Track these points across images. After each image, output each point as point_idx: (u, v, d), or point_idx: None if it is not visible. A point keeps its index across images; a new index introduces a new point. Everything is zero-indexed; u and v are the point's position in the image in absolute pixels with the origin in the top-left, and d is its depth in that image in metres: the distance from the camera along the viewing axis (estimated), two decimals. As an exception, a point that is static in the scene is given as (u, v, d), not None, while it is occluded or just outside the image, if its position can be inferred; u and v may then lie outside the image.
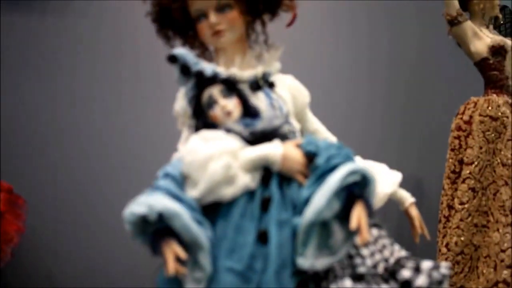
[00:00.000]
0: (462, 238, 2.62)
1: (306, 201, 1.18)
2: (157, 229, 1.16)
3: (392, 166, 2.96)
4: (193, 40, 1.64)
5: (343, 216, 1.18)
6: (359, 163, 1.60)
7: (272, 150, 1.24)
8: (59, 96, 3.00)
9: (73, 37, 3.05)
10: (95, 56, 3.07)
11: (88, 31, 3.07)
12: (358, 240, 1.16)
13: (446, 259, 2.62)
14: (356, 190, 1.18)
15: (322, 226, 1.18)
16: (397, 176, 1.76)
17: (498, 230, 2.57)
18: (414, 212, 1.77)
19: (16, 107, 2.93)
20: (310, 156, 1.26)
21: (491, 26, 2.94)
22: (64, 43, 3.03)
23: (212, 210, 1.23)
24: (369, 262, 1.29)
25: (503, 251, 2.52)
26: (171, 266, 1.13)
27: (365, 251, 1.30)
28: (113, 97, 3.06)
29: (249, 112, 1.35)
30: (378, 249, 1.34)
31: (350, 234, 1.18)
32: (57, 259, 2.87)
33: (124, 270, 2.84)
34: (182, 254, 1.15)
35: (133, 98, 3.06)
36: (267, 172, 1.25)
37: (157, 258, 1.19)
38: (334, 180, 1.16)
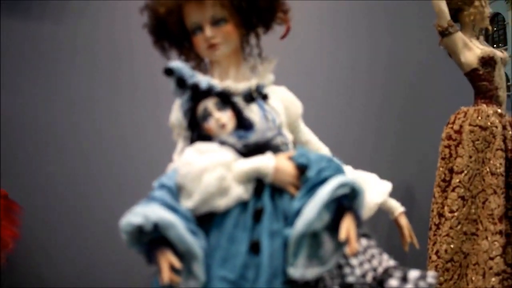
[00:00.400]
0: (452, 246, 2.65)
1: (297, 212, 1.21)
2: (153, 239, 1.20)
3: (385, 173, 2.99)
4: (188, 51, 1.68)
5: (333, 227, 1.22)
6: (350, 174, 1.65)
7: (265, 162, 1.28)
8: (57, 102, 3.00)
9: (72, 42, 3.05)
10: (94, 61, 3.07)
11: (87, 36, 3.07)
12: (347, 250, 1.20)
13: (436, 266, 2.66)
14: (345, 202, 1.22)
15: (312, 237, 1.21)
16: (387, 186, 1.79)
17: (487, 238, 2.59)
18: (404, 221, 1.80)
19: (13, 113, 2.93)
20: (302, 168, 1.30)
21: (481, 37, 2.97)
22: (63, 48, 3.03)
23: (206, 220, 1.26)
24: (358, 271, 1.32)
25: (491, 258, 2.54)
26: (166, 275, 1.17)
27: (354, 261, 1.34)
28: (111, 103, 3.06)
29: (243, 124, 1.39)
30: (367, 258, 1.38)
31: (340, 245, 1.22)
32: (52, 265, 2.87)
33: (119, 277, 2.84)
34: (176, 263, 1.18)
35: (132, 105, 3.07)
36: (259, 184, 1.29)
37: (152, 266, 1.23)
38: (324, 193, 1.19)
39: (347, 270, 1.31)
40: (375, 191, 1.76)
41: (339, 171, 1.27)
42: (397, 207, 1.82)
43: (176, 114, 1.53)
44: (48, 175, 2.92)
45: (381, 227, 2.94)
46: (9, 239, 2.39)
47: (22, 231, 2.51)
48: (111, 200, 2.91)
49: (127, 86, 3.09)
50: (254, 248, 1.21)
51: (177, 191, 1.28)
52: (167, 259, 1.18)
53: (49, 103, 2.99)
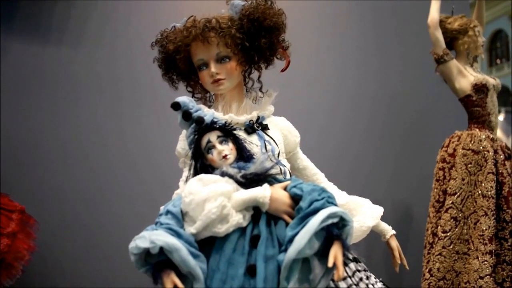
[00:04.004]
0: (444, 265, 2.73)
1: (290, 240, 1.32)
2: (158, 261, 1.32)
3: (384, 193, 3.07)
4: (195, 84, 1.81)
5: (323, 253, 1.33)
6: (343, 200, 1.77)
7: (262, 193, 1.39)
8: (75, 124, 3.13)
9: (88, 66, 3.18)
10: (112, 86, 3.20)
11: (103, 61, 3.20)
12: (334, 275, 1.30)
13: (429, 284, 2.74)
14: (334, 231, 1.33)
15: (303, 262, 1.33)
16: (379, 210, 1.86)
17: (477, 257, 2.67)
18: (394, 243, 1.88)
19: (30, 134, 3.07)
20: (296, 198, 1.41)
21: (475, 64, 3.07)
22: (81, 72, 3.17)
23: (207, 244, 1.38)
24: (346, 294, 1.43)
25: (481, 278, 2.63)
26: (170, 294, 1.29)
27: (343, 284, 1.45)
28: (120, 122, 3.19)
29: (243, 156, 1.51)
30: (355, 282, 1.49)
31: (328, 270, 1.33)
32: (65, 277, 2.99)
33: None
34: (179, 284, 1.30)
35: (148, 127, 3.19)
36: (257, 212, 1.41)
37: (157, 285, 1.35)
38: (314, 223, 1.30)
39: (335, 292, 1.42)
40: (368, 215, 1.82)
41: (329, 202, 1.38)
42: (388, 230, 1.89)
43: (182, 144, 1.66)
44: (63, 192, 3.06)
45: (379, 248, 3.03)
46: (25, 251, 2.51)
47: (37, 244, 2.62)
48: (121, 216, 3.03)
49: (145, 110, 3.20)
50: (251, 271, 1.32)
51: (182, 217, 1.40)
52: (171, 280, 1.31)
53: (67, 125, 3.12)
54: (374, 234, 1.90)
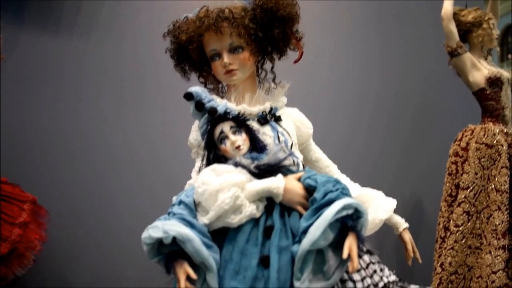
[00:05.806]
0: (456, 259, 2.71)
1: (305, 231, 1.31)
2: (171, 251, 1.32)
3: (395, 187, 3.05)
4: (207, 75, 1.80)
5: (337, 245, 1.32)
6: (356, 192, 1.75)
7: (275, 183, 1.38)
8: (84, 115, 3.13)
9: (97, 58, 3.18)
10: (119, 78, 3.20)
11: (111, 53, 3.20)
12: (349, 267, 1.29)
13: (440, 278, 2.72)
14: (349, 222, 1.32)
15: (317, 253, 1.32)
16: (392, 203, 1.85)
17: (490, 252, 2.65)
18: (407, 237, 1.87)
19: (41, 126, 3.08)
20: (310, 189, 1.40)
21: (489, 58, 3.03)
22: (89, 64, 3.17)
23: (220, 235, 1.38)
24: (359, 286, 1.42)
25: (494, 272, 2.61)
26: (182, 285, 1.29)
27: (356, 276, 1.44)
28: (126, 116, 3.19)
29: (257, 146, 1.50)
30: (368, 274, 1.47)
31: (343, 261, 1.32)
32: (74, 267, 3.02)
33: (138, 281, 2.97)
34: (192, 274, 1.30)
35: (155, 120, 3.19)
36: (270, 202, 1.40)
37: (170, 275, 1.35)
38: (329, 214, 1.29)
39: (350, 284, 1.41)
40: (381, 208, 1.81)
41: (344, 194, 1.37)
42: (402, 223, 1.87)
43: (195, 134, 1.65)
44: (74, 183, 3.07)
45: (390, 241, 3.01)
46: (36, 241, 2.53)
47: (48, 235, 2.64)
48: (129, 207, 3.04)
49: (151, 102, 3.20)
50: (264, 262, 1.32)
51: (195, 207, 1.40)
52: (184, 270, 1.31)
53: (77, 116, 3.12)
54: (385, 227, 1.89)
